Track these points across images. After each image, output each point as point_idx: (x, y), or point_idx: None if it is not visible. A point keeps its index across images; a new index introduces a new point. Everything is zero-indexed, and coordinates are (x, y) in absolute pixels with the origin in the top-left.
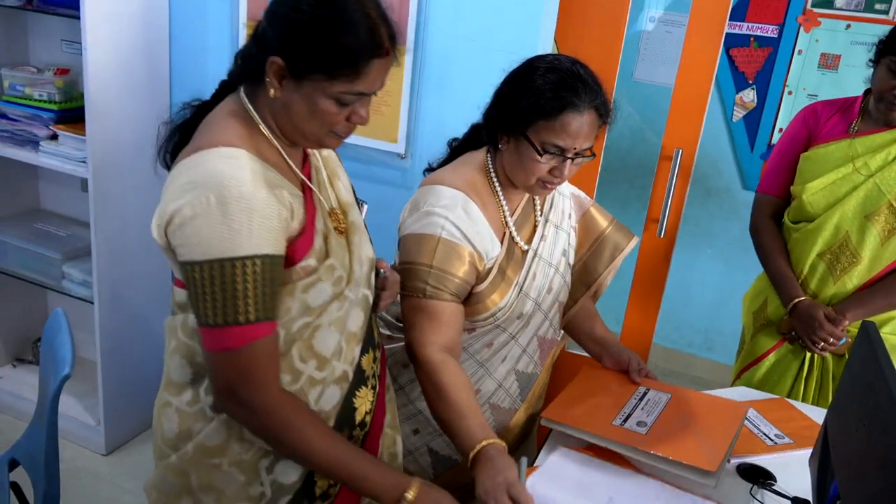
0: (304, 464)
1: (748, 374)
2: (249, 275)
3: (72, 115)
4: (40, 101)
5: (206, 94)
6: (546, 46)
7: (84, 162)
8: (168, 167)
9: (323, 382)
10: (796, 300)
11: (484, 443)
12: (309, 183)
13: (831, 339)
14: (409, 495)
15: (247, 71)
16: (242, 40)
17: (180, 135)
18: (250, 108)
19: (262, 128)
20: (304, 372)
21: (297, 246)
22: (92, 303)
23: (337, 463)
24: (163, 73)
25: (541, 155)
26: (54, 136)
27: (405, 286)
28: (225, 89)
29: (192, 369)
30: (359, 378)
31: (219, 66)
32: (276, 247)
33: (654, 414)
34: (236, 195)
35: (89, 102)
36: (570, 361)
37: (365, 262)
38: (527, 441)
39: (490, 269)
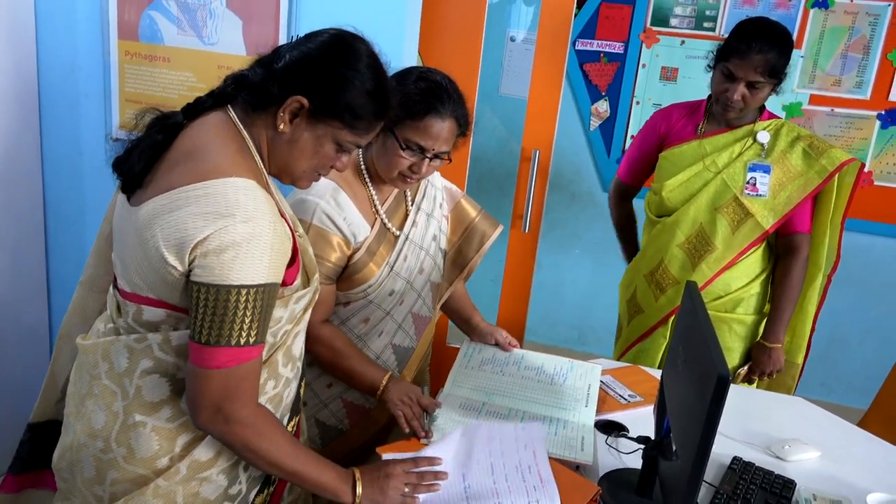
0: (269, 470)
1: (627, 357)
2: (259, 301)
3: None
4: None
5: (79, 110)
6: (411, 60)
7: None
8: (129, 179)
9: (291, 382)
10: None
11: (388, 374)
12: (283, 212)
13: None
14: (359, 489)
15: (251, 98)
16: (115, 59)
17: (151, 153)
18: (246, 135)
19: (256, 156)
20: (283, 375)
21: (290, 272)
22: None
23: (301, 468)
24: (31, 88)
25: (403, 150)
26: None
27: None
28: (197, 106)
29: (171, 386)
30: (301, 370)
31: (89, 83)
32: (280, 275)
33: None
34: (261, 231)
35: None
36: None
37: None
38: None
39: (358, 249)
